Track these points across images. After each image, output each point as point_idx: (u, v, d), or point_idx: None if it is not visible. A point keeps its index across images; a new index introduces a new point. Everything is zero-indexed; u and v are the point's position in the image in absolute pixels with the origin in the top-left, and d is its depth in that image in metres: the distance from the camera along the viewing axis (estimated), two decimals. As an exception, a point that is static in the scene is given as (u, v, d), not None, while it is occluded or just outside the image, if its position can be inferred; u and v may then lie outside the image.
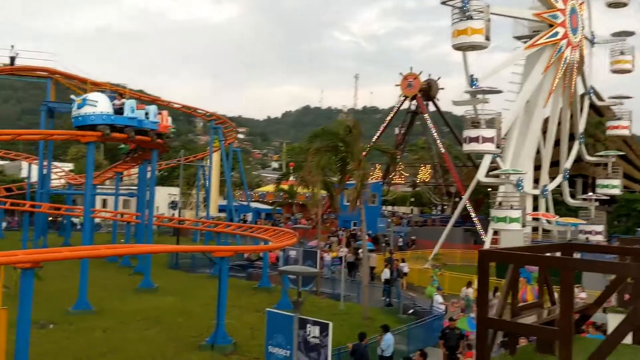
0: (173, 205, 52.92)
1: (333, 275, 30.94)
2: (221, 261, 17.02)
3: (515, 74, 37.91)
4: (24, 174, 58.47)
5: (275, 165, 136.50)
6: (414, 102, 56.31)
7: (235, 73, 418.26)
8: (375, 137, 56.65)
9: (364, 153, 25.26)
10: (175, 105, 43.09)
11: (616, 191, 40.47)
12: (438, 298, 22.44)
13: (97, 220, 46.61)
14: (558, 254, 8.58)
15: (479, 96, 32.09)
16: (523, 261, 7.82)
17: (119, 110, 22.49)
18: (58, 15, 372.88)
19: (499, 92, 33.64)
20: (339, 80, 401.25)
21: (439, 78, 56.64)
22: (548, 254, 7.94)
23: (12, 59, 36.40)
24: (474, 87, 32.40)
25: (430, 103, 56.51)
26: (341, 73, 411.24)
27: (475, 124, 31.48)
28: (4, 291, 13.68)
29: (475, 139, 31.34)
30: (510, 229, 31.70)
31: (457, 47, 31.90)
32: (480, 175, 35.02)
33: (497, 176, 35.03)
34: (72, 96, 23.32)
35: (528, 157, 37.54)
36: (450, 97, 36.55)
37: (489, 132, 30.95)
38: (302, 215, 61.12)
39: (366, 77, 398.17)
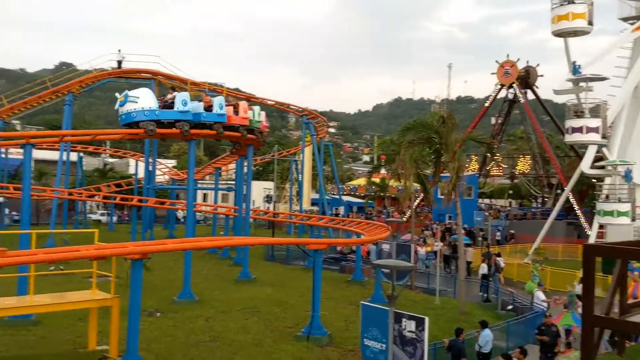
0: (268, 199, 54.38)
1: (427, 269, 30.55)
2: (315, 253, 17.30)
3: (622, 57, 35.50)
4: (131, 170, 62.38)
5: (366, 158, 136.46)
6: (511, 90, 54.36)
7: (326, 68, 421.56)
8: (471, 127, 55.23)
9: (458, 144, 24.67)
10: (269, 102, 44.18)
11: None
12: (539, 294, 21.54)
13: (198, 213, 48.85)
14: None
15: (582, 84, 30.29)
16: (631, 256, 7.36)
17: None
18: (156, 17, 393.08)
19: (604, 79, 31.65)
20: (431, 70, 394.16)
21: (537, 65, 54.26)
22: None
23: (119, 62, 38.88)
24: (576, 74, 30.66)
25: (529, 91, 54.27)
26: (433, 63, 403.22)
27: (579, 114, 29.82)
28: (116, 281, 14.74)
29: (579, 129, 29.73)
30: (619, 223, 29.79)
31: (558, 34, 30.34)
32: (585, 167, 33.16)
33: (603, 167, 33.02)
34: (116, 94, 21.87)
35: (637, 145, 35.07)
36: (550, 84, 34.64)
37: (594, 122, 29.25)
38: (395, 208, 60.79)
39: (460, 67, 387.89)
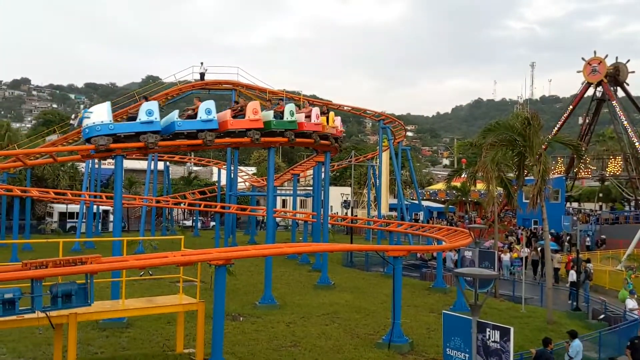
0: (346, 204, 54.49)
1: (512, 276, 29.52)
2: (395, 260, 17.13)
3: None
4: (214, 178, 64.46)
5: (446, 162, 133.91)
6: (600, 88, 51.73)
7: (403, 71, 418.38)
8: (556, 128, 53.02)
9: (544, 146, 23.72)
10: (346, 108, 44.33)
11: None
12: (630, 302, 20.32)
13: (278, 219, 49.69)
14: None
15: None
16: None
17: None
18: (239, 30, 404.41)
19: None
20: (513, 70, 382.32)
21: (628, 61, 51.40)
22: None
23: (202, 75, 40.30)
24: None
25: (619, 89, 51.48)
26: (514, 62, 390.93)
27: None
28: (201, 285, 15.25)
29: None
30: None
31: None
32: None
33: None
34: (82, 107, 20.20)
35: None
36: (644, 80, 32.62)
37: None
38: (477, 213, 59.26)
39: (543, 65, 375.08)
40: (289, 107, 22.86)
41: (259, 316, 19.72)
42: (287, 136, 22.73)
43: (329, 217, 34.86)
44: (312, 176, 42.54)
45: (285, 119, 22.58)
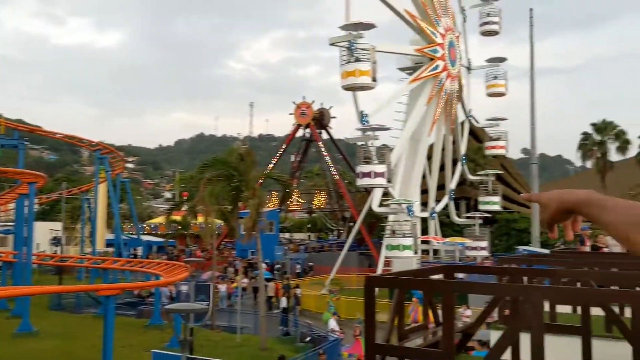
0: (55, 241, 49.58)
1: (230, 307, 30.27)
2: (107, 300, 16.05)
3: (401, 103, 39.61)
4: None
5: (168, 195, 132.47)
6: (308, 130, 57.16)
7: (126, 100, 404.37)
8: (272, 164, 56.77)
9: (259, 181, 25.14)
10: (58, 135, 40.77)
11: (497, 207, 43.11)
12: (332, 323, 22.56)
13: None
14: (441, 276, 8.90)
15: (369, 133, 33.04)
16: (407, 285, 8.02)
17: None
18: None
19: (387, 129, 34.95)
20: (234, 107, 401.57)
21: (330, 107, 57.99)
22: (431, 277, 8.20)
23: None
24: (364, 124, 33.39)
25: (324, 131, 57.62)
26: (236, 101, 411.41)
27: (367, 160, 32.38)
28: None
29: (368, 174, 32.15)
30: (404, 257, 32.61)
31: (347, 88, 32.79)
32: (374, 206, 36.05)
33: (388, 205, 36.14)
34: None
35: (416, 183, 39.15)
36: (344, 124, 37.31)
37: (380, 167, 31.88)
38: (198, 246, 59.57)
39: (262, 105, 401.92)
40: None
41: None
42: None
43: (34, 256, 31.23)
44: (14, 210, 37.62)
45: None
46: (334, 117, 58.23)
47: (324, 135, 57.71)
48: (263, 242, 24.32)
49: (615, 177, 51.58)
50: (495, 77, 43.28)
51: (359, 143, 33.68)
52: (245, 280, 33.99)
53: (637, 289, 8.70)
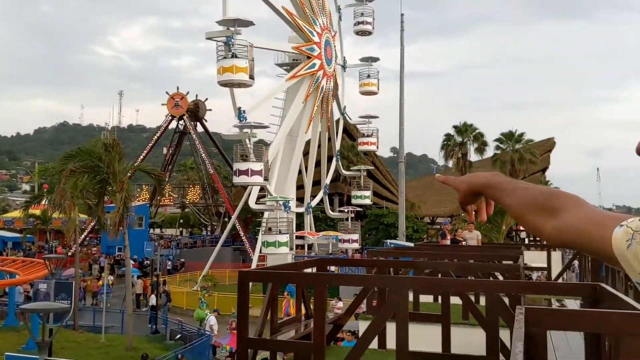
0: None
1: (96, 306, 28.64)
2: (-50, 302, 14.48)
3: (278, 99, 39.79)
4: None
5: (26, 187, 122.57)
6: (182, 122, 55.68)
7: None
8: (142, 156, 54.54)
9: (127, 174, 23.98)
10: None
11: (368, 201, 44.86)
12: (211, 319, 22.15)
13: None
14: (314, 269, 9.07)
15: (247, 130, 32.75)
16: (281, 279, 8.08)
17: None
18: None
19: (265, 127, 34.80)
20: (102, 96, 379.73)
21: (206, 99, 56.91)
22: (303, 271, 8.33)
23: None
24: (242, 120, 33.00)
25: (199, 124, 56.41)
26: (104, 89, 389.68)
27: (244, 157, 32.08)
28: None
29: (245, 172, 31.83)
30: (280, 253, 32.77)
31: (223, 84, 32.21)
32: (251, 203, 35.86)
33: (265, 202, 36.14)
34: None
35: (292, 180, 39.57)
36: (219, 118, 36.66)
37: (258, 165, 31.72)
38: (59, 242, 55.75)
39: (132, 95, 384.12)
40: None
41: None
42: None
43: None
44: None
45: None
46: (209, 110, 57.29)
47: (199, 128, 56.58)
48: (132, 238, 23.29)
49: (474, 176, 55.55)
50: (368, 76, 44.76)
51: (237, 139, 33.32)
52: (111, 277, 32.35)
53: (491, 278, 9.47)
